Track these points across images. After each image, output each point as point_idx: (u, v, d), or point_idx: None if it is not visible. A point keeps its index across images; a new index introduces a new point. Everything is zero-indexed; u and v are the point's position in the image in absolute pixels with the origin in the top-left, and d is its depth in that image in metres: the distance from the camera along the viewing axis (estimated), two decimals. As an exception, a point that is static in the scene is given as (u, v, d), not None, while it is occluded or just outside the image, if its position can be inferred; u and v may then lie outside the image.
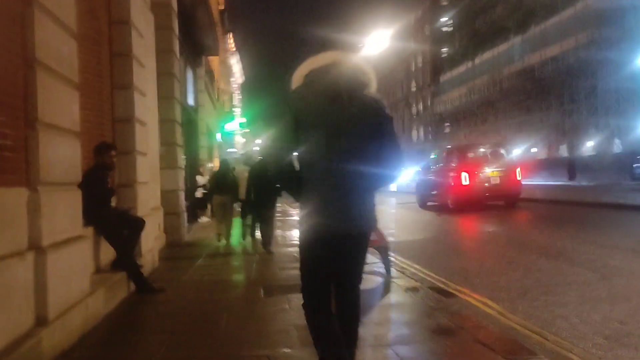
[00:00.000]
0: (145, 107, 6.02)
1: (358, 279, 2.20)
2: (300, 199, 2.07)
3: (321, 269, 2.09)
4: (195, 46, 12.67)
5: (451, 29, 44.59)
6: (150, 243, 5.85)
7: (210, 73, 16.56)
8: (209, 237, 9.52)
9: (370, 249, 6.03)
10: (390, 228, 7.61)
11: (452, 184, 13.12)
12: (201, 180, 12.85)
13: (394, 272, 5.26)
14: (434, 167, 14.73)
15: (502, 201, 13.33)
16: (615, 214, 10.87)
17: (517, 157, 30.88)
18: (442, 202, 13.72)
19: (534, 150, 32.49)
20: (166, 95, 7.98)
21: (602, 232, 8.23)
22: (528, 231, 9.07)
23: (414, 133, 60.76)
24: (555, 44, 25.77)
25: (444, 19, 46.05)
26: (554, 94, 27.68)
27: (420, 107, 58.40)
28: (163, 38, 7.99)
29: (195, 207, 12.83)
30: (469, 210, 12.32)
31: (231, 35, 39.69)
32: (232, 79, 37.42)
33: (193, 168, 13.02)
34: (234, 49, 40.71)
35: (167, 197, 8.03)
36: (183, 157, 10.32)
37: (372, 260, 5.82)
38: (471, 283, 4.85)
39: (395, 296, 4.42)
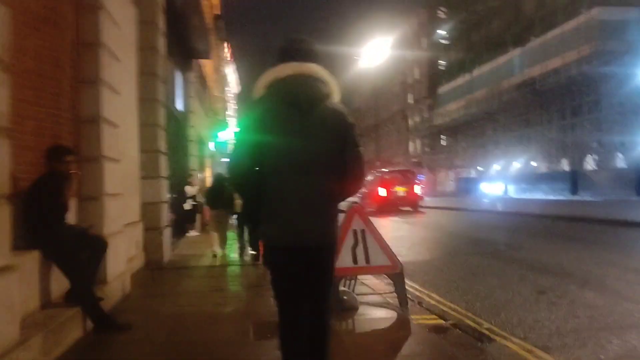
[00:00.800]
0: (119, 107, 5.17)
1: (324, 299, 2.15)
2: (259, 209, 2.06)
3: (285, 282, 2.07)
4: (186, 49, 11.87)
5: (448, 41, 44.28)
6: (121, 266, 4.95)
7: (202, 79, 15.77)
8: (197, 254, 8.62)
9: (383, 277, 5.32)
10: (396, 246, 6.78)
11: (376, 195, 19.54)
12: (190, 191, 11.96)
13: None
14: (369, 184, 19.56)
15: (408, 207, 19.89)
16: (630, 232, 10.12)
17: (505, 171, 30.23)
18: (369, 207, 17.83)
19: (533, 163, 31.90)
20: (148, 96, 7.14)
21: (626, 254, 7.45)
22: (538, 248, 8.26)
23: (411, 145, 60.25)
24: (556, 56, 25.28)
25: (441, 32, 45.79)
26: (555, 107, 27.15)
27: (417, 119, 57.99)
28: (146, 34, 7.18)
29: (184, 221, 11.93)
30: (386, 212, 18.23)
31: (227, 45, 39.19)
32: (227, 88, 36.71)
33: (182, 178, 12.14)
34: (230, 59, 40.22)
35: (148, 210, 7.15)
36: (169, 165, 9.48)
37: (382, 289, 4.96)
38: (507, 321, 3.99)
39: (417, 341, 3.56)
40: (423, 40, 54.42)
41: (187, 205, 11.90)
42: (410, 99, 60.20)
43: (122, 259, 5.00)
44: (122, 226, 5.09)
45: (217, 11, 23.36)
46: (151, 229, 7.13)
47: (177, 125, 11.56)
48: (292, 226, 1.98)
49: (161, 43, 7.57)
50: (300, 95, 2.03)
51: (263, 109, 2.05)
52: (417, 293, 5.08)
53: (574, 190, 24.98)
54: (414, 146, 59.23)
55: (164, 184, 7.64)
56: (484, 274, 6.24)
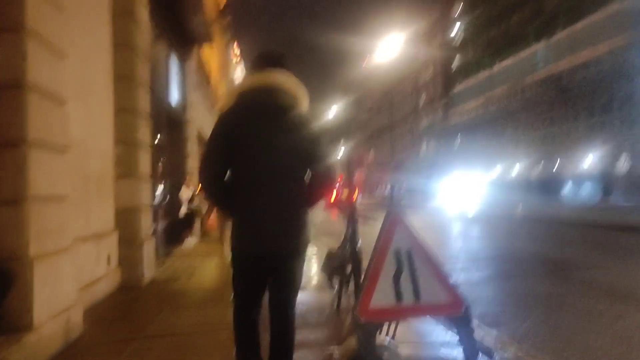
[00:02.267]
0: (69, 77, 3.76)
1: (290, 301, 2.21)
2: (230, 213, 2.14)
3: (250, 282, 2.17)
4: (183, 33, 10.51)
5: (464, 37, 42.60)
6: (64, 300, 3.51)
7: (204, 72, 14.42)
8: (190, 268, 7.20)
9: (438, 318, 3.83)
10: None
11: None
12: (186, 194, 10.57)
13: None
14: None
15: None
16: None
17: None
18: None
19: (556, 164, 30.05)
20: (124, 74, 5.74)
21: None
22: (613, 268, 6.69)
23: (424, 147, 58.57)
24: (586, 49, 23.52)
25: (456, 28, 44.14)
26: (582, 104, 25.37)
27: (431, 120, 56.33)
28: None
29: (180, 227, 10.53)
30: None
31: (236, 44, 37.97)
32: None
33: (177, 179, 10.76)
34: (239, 58, 39.04)
35: (125, 217, 5.74)
36: (159, 164, 8.09)
37: (441, 338, 3.47)
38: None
39: None
40: (437, 38, 52.85)
41: (183, 210, 10.52)
42: (423, 99, 58.65)
43: (66, 289, 3.56)
44: (69, 242, 3.66)
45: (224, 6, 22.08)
46: (128, 241, 5.72)
47: (173, 119, 10.19)
48: (259, 233, 2.03)
49: (142, 9, 6.16)
50: (267, 105, 2.07)
51: (231, 118, 2.10)
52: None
53: (606, 193, 23.17)
54: (426, 148, 57.62)
55: (147, 185, 6.23)
56: (562, 306, 4.71)
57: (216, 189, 2.14)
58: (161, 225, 8.11)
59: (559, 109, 27.80)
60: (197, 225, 11.23)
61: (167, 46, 9.29)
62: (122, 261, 5.66)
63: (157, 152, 8.14)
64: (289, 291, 2.22)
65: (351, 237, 4.47)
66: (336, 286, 4.66)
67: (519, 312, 4.56)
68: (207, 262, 7.97)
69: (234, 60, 34.36)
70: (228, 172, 2.13)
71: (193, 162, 11.45)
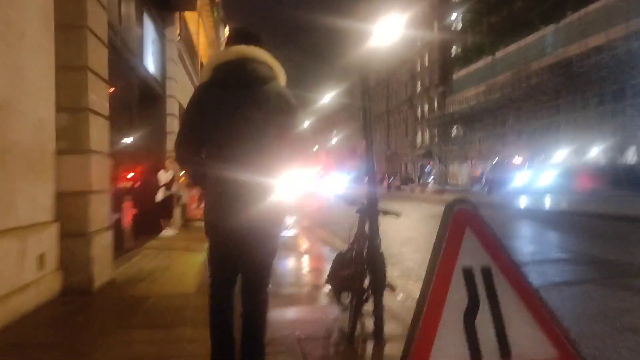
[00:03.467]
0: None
1: (261, 280, 2.17)
2: (203, 188, 2.12)
3: (220, 258, 2.15)
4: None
5: (464, 23, 41.22)
6: None
7: (190, 45, 12.99)
8: (161, 266, 5.95)
9: None
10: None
11: None
12: (164, 177, 9.25)
13: None
14: None
15: None
16: None
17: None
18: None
19: (563, 154, 28.97)
20: (70, 21, 4.40)
21: None
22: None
23: (419, 136, 57.45)
24: (599, 32, 22.26)
25: (455, 14, 42.68)
26: (592, 91, 24.20)
27: (426, 108, 55.12)
28: None
29: (156, 216, 9.24)
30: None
31: (228, 28, 36.42)
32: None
33: (154, 160, 9.44)
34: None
35: (69, 204, 4.44)
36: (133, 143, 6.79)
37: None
38: None
39: None
40: (435, 24, 51.42)
41: (160, 196, 9.21)
42: (419, 87, 57.36)
43: None
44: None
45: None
46: (73, 235, 4.43)
47: (147, 89, 8.83)
48: (230, 205, 1.99)
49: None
50: (242, 76, 2.02)
51: (206, 90, 2.06)
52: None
53: (617, 185, 22.15)
54: (422, 137, 56.56)
55: (102, 164, 4.91)
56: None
57: (191, 162, 2.12)
58: (128, 213, 6.81)
59: (565, 96, 26.65)
60: (177, 213, 9.94)
61: (140, 4, 7.89)
62: (64, 261, 4.38)
63: (124, 125, 6.82)
64: (259, 270, 2.16)
65: (370, 235, 3.23)
66: (348, 304, 3.42)
67: (574, 325, 3.37)
68: (185, 257, 6.71)
69: (224, 37, 32.80)
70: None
71: (173, 142, 10.11)
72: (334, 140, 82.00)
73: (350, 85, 73.29)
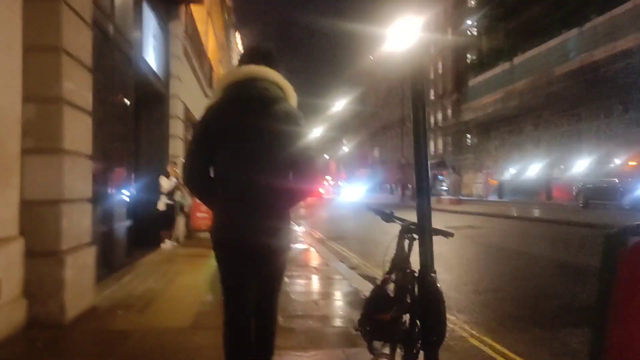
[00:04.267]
0: None
1: (274, 300, 2.17)
2: (212, 208, 2.10)
3: (235, 281, 2.08)
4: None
5: (480, 28, 40.27)
6: None
7: (198, 43, 12.25)
8: (155, 288, 5.10)
9: None
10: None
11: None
12: (166, 184, 8.44)
13: None
14: None
15: None
16: None
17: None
18: None
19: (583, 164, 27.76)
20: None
21: None
22: None
23: (432, 145, 56.37)
24: (627, 36, 21.12)
25: (470, 20, 41.74)
26: (617, 98, 23.05)
27: (440, 116, 54.11)
28: None
29: (157, 227, 8.42)
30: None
31: (239, 35, 35.99)
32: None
33: (156, 166, 8.65)
34: (241, 49, 37.16)
35: (37, 216, 3.61)
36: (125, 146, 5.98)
37: None
38: None
39: None
40: (449, 30, 50.58)
41: (161, 205, 8.39)
42: (433, 95, 56.45)
43: None
44: None
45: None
46: (41, 254, 3.58)
47: (148, 87, 8.06)
48: (238, 227, 1.97)
49: None
50: (252, 96, 2.01)
51: (216, 110, 2.04)
52: None
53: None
54: (435, 145, 55.54)
55: (81, 167, 4.08)
56: None
57: (199, 184, 2.10)
58: (120, 225, 5.97)
59: (588, 103, 25.48)
60: (180, 223, 9.11)
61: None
62: (29, 286, 3.52)
63: (120, 126, 6.02)
64: (269, 289, 2.15)
65: (423, 265, 2.34)
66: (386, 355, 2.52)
67: None
68: (185, 276, 5.84)
69: (236, 47, 32.30)
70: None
71: (178, 146, 9.32)
72: (345, 149, 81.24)
73: (362, 91, 72.72)
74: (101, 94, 5.10)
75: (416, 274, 2.40)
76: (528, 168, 31.64)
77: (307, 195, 2.13)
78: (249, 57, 2.17)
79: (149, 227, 8.38)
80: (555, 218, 15.21)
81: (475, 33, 42.77)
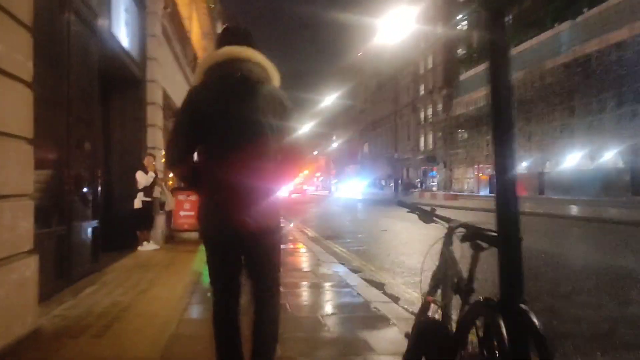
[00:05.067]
0: None
1: (266, 282, 2.08)
2: (198, 192, 2.07)
3: (222, 262, 2.05)
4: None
5: (469, 23, 39.69)
6: None
7: (178, 24, 11.24)
8: (121, 302, 4.20)
9: None
10: None
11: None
12: (143, 179, 7.51)
13: None
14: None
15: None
16: None
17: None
18: None
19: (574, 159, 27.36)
20: None
21: None
22: None
23: (422, 141, 55.90)
24: (621, 27, 20.64)
25: (460, 14, 41.13)
26: (611, 92, 22.60)
27: (430, 112, 53.61)
28: None
29: (134, 226, 7.51)
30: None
31: (224, 26, 35.02)
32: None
33: (130, 159, 7.73)
34: None
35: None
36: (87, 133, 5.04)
37: None
38: None
39: None
40: (439, 25, 50.01)
41: (138, 203, 7.46)
42: (422, 90, 55.95)
43: None
44: None
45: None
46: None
47: (120, 71, 7.12)
48: (225, 211, 1.93)
49: None
50: (235, 77, 1.97)
51: (199, 92, 2.01)
52: None
53: (636, 191, 20.60)
54: (426, 141, 55.10)
55: (16, 154, 3.15)
56: None
57: (183, 167, 2.00)
58: (82, 226, 5.05)
59: (580, 97, 25.04)
60: (159, 223, 8.18)
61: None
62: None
63: (86, 112, 5.09)
64: (264, 272, 2.07)
65: (508, 295, 1.49)
66: None
67: None
68: (160, 286, 4.94)
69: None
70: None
71: (157, 136, 8.37)
72: (335, 145, 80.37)
73: (351, 87, 71.89)
74: (52, 67, 4.18)
75: (493, 302, 1.56)
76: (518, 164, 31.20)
77: (293, 176, 2.08)
78: (228, 37, 2.11)
79: (124, 227, 7.46)
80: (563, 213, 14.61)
81: (465, 27, 42.19)
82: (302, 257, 7.03)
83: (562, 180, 27.28)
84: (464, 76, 38.25)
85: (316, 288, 4.92)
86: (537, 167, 30.12)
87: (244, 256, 2.05)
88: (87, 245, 5.23)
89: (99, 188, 5.77)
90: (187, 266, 6.22)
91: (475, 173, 37.67)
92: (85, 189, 5.14)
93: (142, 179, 7.45)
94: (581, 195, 22.86)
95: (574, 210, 16.67)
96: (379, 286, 5.10)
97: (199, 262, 6.65)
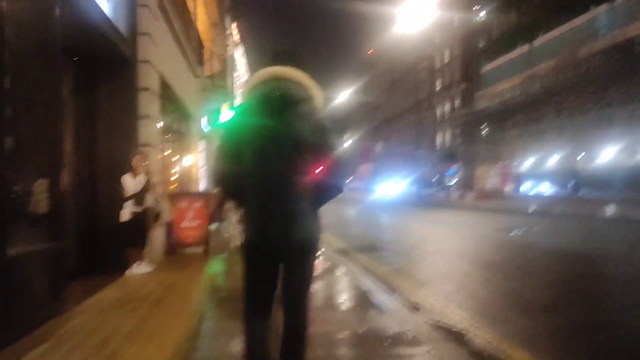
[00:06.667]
0: None
1: (302, 300, 2.14)
2: (242, 206, 2.14)
3: (258, 278, 2.11)
4: None
5: (492, 11, 37.69)
6: None
7: (179, 3, 9.67)
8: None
9: None
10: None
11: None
12: (131, 184, 5.96)
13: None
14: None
15: None
16: None
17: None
18: None
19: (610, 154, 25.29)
20: None
21: None
22: None
23: (439, 137, 53.92)
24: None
25: (480, 4, 39.20)
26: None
27: (447, 107, 51.62)
28: None
29: (121, 243, 5.97)
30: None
31: (237, 25, 33.82)
32: (235, 74, 30.98)
33: (119, 159, 6.21)
34: (239, 40, 34.99)
35: None
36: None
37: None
38: None
39: None
40: (459, 15, 48.04)
41: (126, 214, 5.91)
42: (439, 85, 53.98)
43: None
44: None
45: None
46: None
47: (104, 48, 5.59)
48: (264, 224, 2.02)
49: None
50: (275, 96, 2.05)
51: (241, 110, 2.12)
52: None
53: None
54: (443, 137, 53.13)
55: None
56: None
57: (232, 182, 2.13)
58: (32, 251, 3.50)
59: (618, 86, 23.02)
60: (156, 238, 6.64)
61: None
62: None
63: (31, 88, 3.54)
64: (299, 286, 2.13)
65: None
66: None
67: None
68: (146, 339, 3.35)
69: (231, 31, 29.88)
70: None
71: (152, 131, 6.83)
72: (348, 143, 78.57)
73: (365, 82, 70.04)
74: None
75: None
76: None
77: (334, 194, 2.13)
78: (274, 58, 2.20)
79: (108, 246, 5.93)
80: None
81: (485, 17, 40.22)
82: (334, 281, 5.41)
83: (598, 177, 25.24)
84: (486, 68, 36.21)
85: (367, 341, 3.27)
86: (570, 162, 28.09)
87: (277, 268, 2.09)
88: (42, 281, 3.67)
89: (62, 198, 4.18)
90: (187, 299, 4.65)
91: (500, 170, 35.64)
92: (35, 201, 3.57)
93: (129, 184, 5.89)
94: (620, 195, 20.91)
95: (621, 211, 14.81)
96: (461, 339, 3.47)
97: (203, 289, 5.08)
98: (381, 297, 4.60)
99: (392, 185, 44.57)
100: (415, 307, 4.34)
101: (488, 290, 5.03)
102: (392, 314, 4.01)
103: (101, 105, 6.26)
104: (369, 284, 5.18)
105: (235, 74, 31.29)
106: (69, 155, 5.81)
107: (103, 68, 6.20)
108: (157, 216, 6.41)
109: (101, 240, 5.97)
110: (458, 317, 4.10)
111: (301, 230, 2.02)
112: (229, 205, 8.11)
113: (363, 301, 4.43)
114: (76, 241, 5.73)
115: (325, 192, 2.10)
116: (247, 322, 2.11)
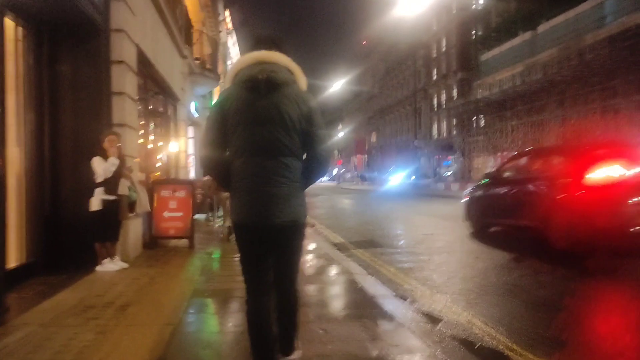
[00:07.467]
0: None
1: (292, 275, 2.25)
2: (229, 189, 2.16)
3: (252, 258, 2.18)
4: None
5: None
6: None
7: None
8: None
9: None
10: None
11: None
12: (101, 169, 5.15)
13: None
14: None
15: None
16: None
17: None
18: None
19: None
20: None
21: None
22: None
23: (435, 128, 53.24)
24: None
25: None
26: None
27: (444, 97, 50.86)
28: None
29: (90, 235, 5.18)
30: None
31: (229, 12, 32.84)
32: (228, 62, 30.01)
33: (86, 141, 5.39)
34: (232, 27, 34.04)
35: None
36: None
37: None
38: None
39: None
40: (454, 4, 47.18)
41: (96, 203, 5.11)
42: (435, 75, 53.18)
43: None
44: None
45: None
46: None
47: (65, 12, 4.75)
48: (253, 205, 2.05)
49: None
50: (260, 79, 2.05)
51: (227, 95, 2.12)
52: None
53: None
54: (439, 128, 52.47)
55: None
56: None
57: (221, 170, 2.16)
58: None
59: (625, 76, 22.32)
60: (131, 229, 5.86)
61: None
62: None
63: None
64: (287, 265, 2.23)
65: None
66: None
67: None
68: (98, 355, 2.60)
69: (224, 17, 28.90)
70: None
71: (128, 110, 6.00)
72: (341, 134, 77.56)
73: (359, 72, 68.97)
74: None
75: None
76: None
77: (320, 175, 2.19)
78: (258, 43, 2.20)
79: (75, 238, 5.15)
80: None
81: (485, 2, 39.31)
82: (333, 283, 4.66)
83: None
84: (485, 56, 35.38)
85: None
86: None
87: (270, 248, 2.14)
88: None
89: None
90: (161, 304, 3.88)
91: (499, 161, 35.02)
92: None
93: (99, 167, 5.08)
94: None
95: None
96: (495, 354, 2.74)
97: (182, 291, 4.32)
98: (392, 304, 3.86)
99: (389, 176, 43.88)
100: (436, 318, 3.60)
101: (521, 299, 4.29)
102: (411, 326, 3.26)
103: (65, 78, 5.43)
104: (374, 287, 4.44)
105: (228, 62, 30.36)
106: (28, 134, 5.01)
107: (68, 36, 5.36)
108: (132, 205, 5.62)
109: (67, 232, 5.19)
110: (490, 332, 3.36)
111: (288, 211, 2.06)
112: (223, 192, 7.38)
113: (370, 309, 3.68)
114: (36, 233, 4.95)
115: (312, 173, 2.15)
116: (248, 298, 2.19)
